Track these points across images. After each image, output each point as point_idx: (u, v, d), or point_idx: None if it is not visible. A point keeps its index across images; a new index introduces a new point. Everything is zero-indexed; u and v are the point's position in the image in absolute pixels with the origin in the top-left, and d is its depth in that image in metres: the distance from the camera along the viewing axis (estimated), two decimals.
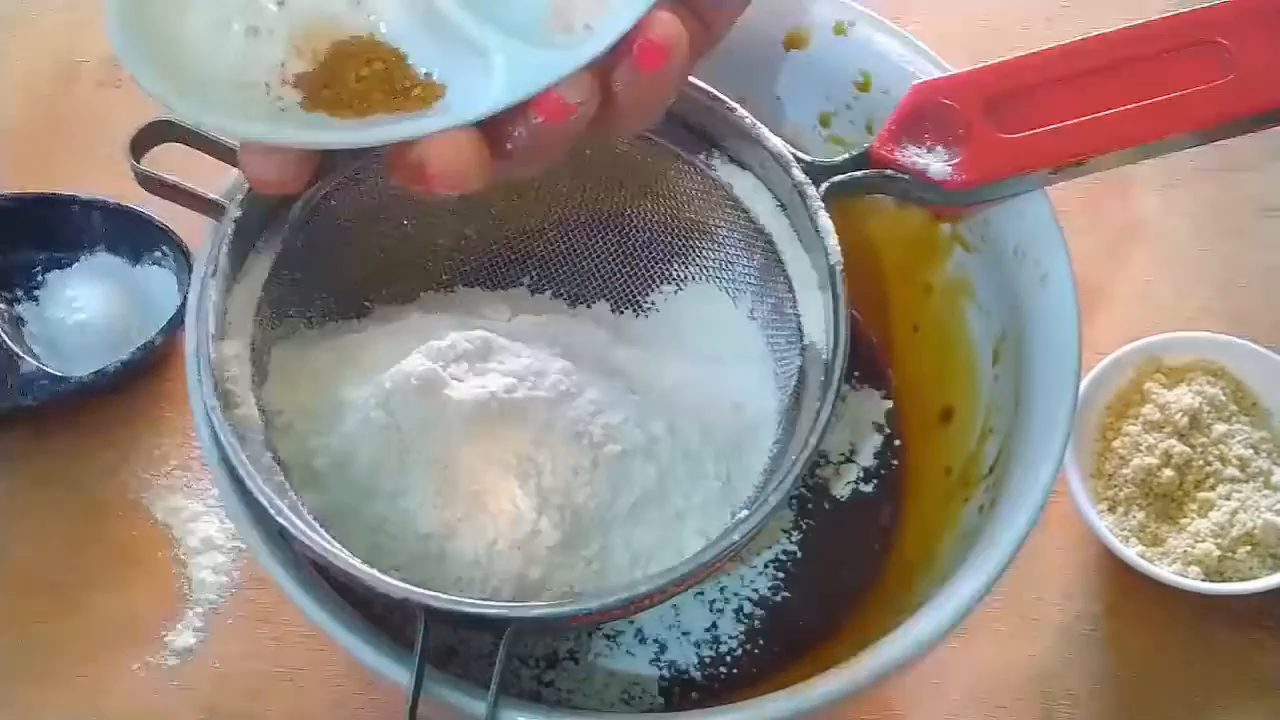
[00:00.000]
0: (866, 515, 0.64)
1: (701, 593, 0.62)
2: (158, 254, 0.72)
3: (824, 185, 0.54)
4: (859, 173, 0.55)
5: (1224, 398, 0.67)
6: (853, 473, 0.65)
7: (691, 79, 0.56)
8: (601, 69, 0.43)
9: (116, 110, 0.81)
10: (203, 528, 0.67)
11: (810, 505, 0.64)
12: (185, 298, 0.67)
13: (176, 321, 0.69)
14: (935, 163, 0.55)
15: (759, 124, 0.55)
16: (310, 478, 0.52)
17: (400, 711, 0.45)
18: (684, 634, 0.61)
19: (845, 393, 0.65)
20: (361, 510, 0.52)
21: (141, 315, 0.72)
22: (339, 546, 0.48)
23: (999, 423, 0.59)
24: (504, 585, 0.51)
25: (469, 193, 0.42)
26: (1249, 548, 0.63)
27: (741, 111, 0.55)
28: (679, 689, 0.60)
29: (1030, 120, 0.55)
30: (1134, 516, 0.65)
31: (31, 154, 0.80)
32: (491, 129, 0.42)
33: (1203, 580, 0.63)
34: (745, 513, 0.50)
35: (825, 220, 0.53)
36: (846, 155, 0.55)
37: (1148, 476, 0.65)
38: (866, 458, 0.65)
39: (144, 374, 0.70)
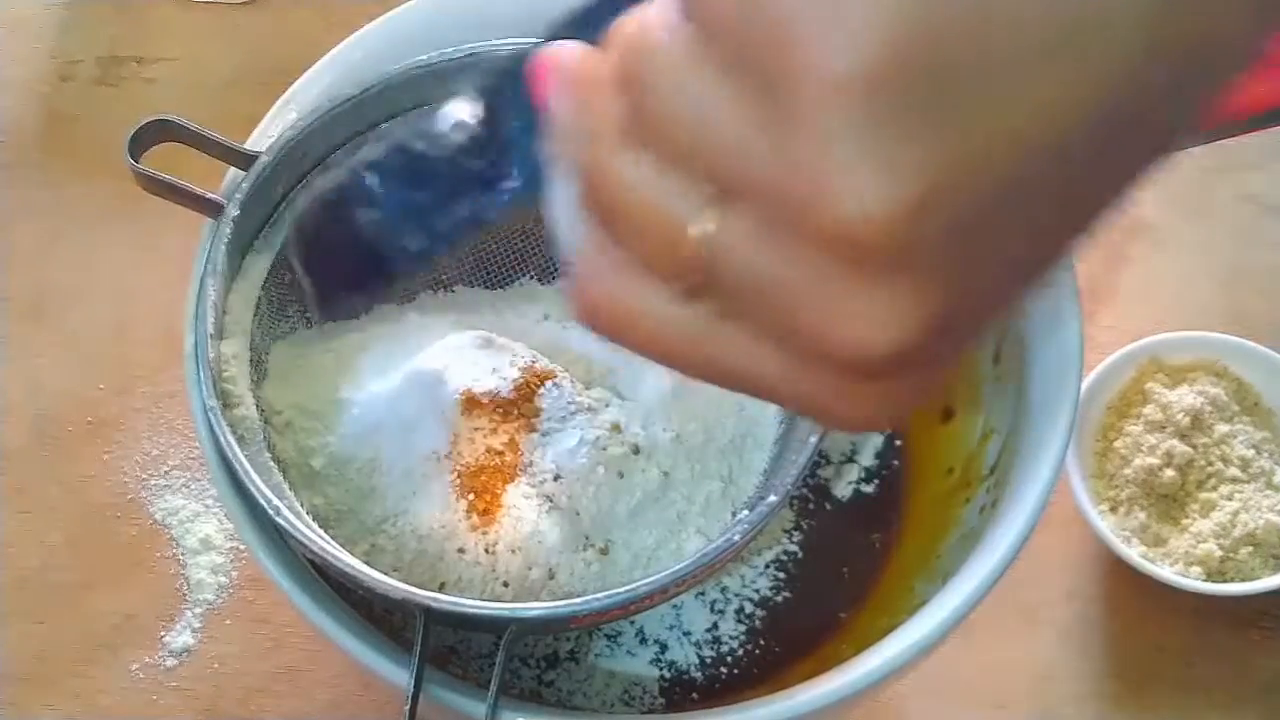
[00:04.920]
0: (867, 515, 0.64)
1: (702, 593, 0.62)
2: None
3: None
4: None
5: (1226, 397, 0.67)
6: (854, 473, 0.65)
7: None
8: None
9: (114, 109, 0.81)
10: (201, 528, 0.67)
11: (811, 505, 0.64)
12: None
13: None
14: None
15: None
16: (309, 478, 0.52)
17: (400, 712, 0.45)
18: (685, 634, 0.61)
19: None
20: (360, 511, 0.52)
21: None
22: (338, 547, 0.48)
23: (1000, 423, 0.58)
24: (504, 586, 0.51)
25: None
26: (1251, 548, 0.63)
27: None
28: (680, 689, 0.60)
29: None
30: (1135, 517, 0.65)
31: (29, 153, 0.80)
32: None
33: (1204, 581, 0.63)
34: (746, 512, 0.50)
35: None
36: None
37: (1149, 477, 0.65)
38: (867, 458, 0.65)
39: None
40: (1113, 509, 0.65)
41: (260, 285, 0.53)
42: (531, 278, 0.62)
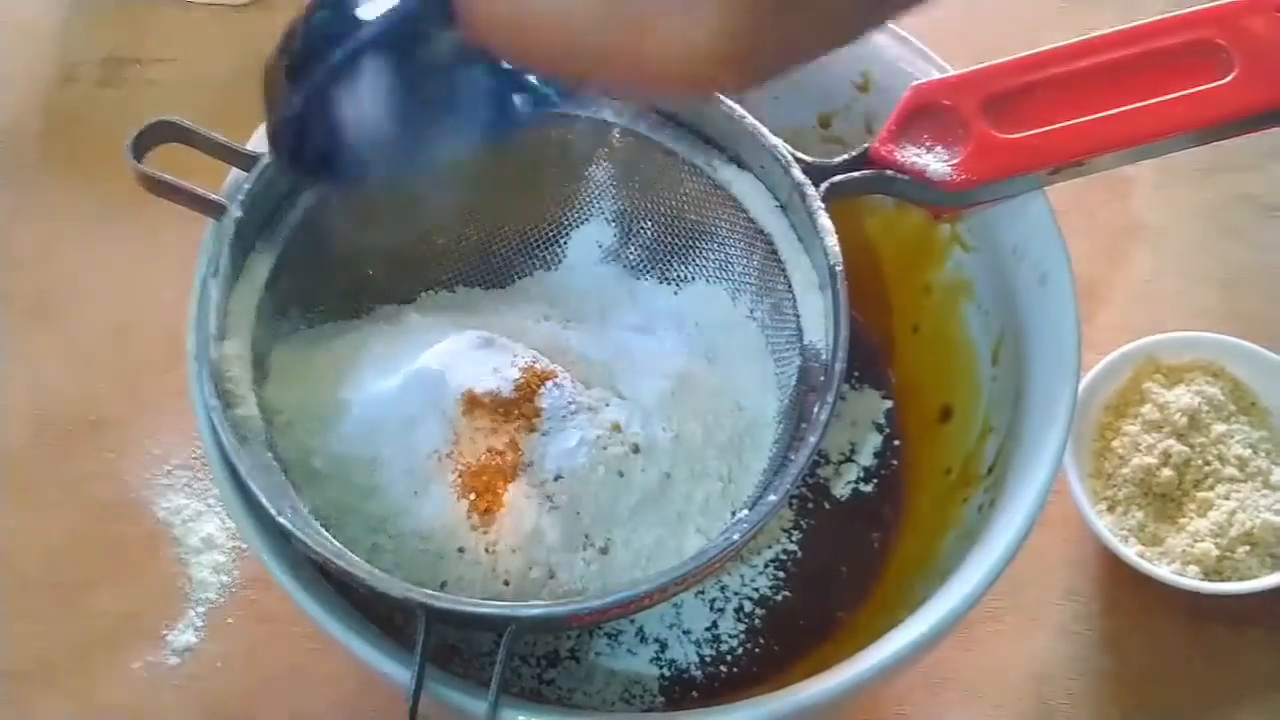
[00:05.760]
0: (866, 515, 0.64)
1: (702, 592, 0.62)
2: None
3: (823, 185, 0.54)
4: (858, 173, 0.55)
5: (1223, 397, 0.67)
6: (853, 472, 0.65)
7: None
8: None
9: (116, 110, 0.81)
10: (203, 527, 0.67)
11: (810, 505, 0.64)
12: None
13: None
14: (934, 163, 0.55)
15: (759, 124, 0.55)
16: (310, 477, 0.52)
17: (401, 711, 0.45)
18: (685, 633, 0.61)
19: (845, 392, 0.65)
20: (362, 510, 0.52)
21: None
22: (339, 546, 0.48)
23: (998, 422, 0.59)
24: (505, 585, 0.51)
25: None
26: (1248, 547, 0.63)
27: (741, 111, 0.55)
28: (679, 688, 0.60)
29: (1029, 120, 0.55)
30: (1133, 516, 0.65)
31: (31, 154, 0.80)
32: None
33: (1201, 580, 0.63)
34: (745, 512, 0.50)
35: (825, 220, 0.53)
36: (846, 155, 0.55)
37: (1147, 476, 0.65)
38: (866, 457, 0.66)
39: None
40: (1110, 508, 0.65)
41: (262, 286, 0.53)
42: (531, 278, 0.62)
